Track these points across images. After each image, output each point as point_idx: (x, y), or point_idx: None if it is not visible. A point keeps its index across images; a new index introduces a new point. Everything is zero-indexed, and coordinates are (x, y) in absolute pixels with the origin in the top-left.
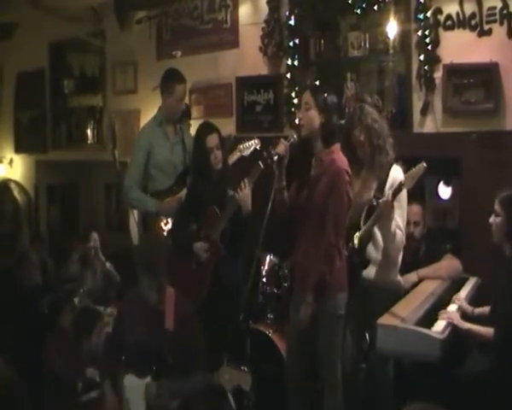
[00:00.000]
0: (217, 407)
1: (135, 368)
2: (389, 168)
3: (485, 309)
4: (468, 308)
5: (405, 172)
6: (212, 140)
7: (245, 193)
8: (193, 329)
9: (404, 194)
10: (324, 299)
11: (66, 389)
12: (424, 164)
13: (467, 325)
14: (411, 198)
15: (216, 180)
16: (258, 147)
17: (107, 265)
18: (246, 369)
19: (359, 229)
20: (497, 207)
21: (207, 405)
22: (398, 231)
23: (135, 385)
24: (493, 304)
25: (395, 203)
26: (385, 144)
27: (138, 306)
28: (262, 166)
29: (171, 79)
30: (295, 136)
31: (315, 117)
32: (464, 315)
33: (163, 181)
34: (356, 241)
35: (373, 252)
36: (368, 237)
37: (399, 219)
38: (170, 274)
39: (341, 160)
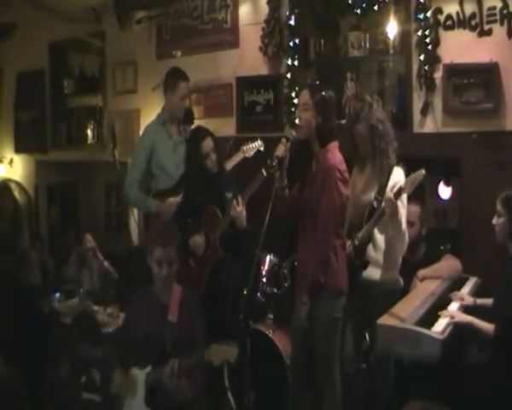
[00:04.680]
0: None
1: (139, 361)
2: (390, 172)
3: (487, 301)
4: (470, 300)
5: (406, 173)
6: (207, 145)
7: (239, 211)
8: (194, 323)
9: (404, 196)
10: (322, 301)
11: (65, 388)
12: (423, 171)
13: (468, 318)
14: (408, 198)
15: (213, 183)
16: (261, 148)
17: (106, 264)
18: (233, 343)
19: (360, 229)
20: (499, 207)
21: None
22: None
23: (137, 376)
24: (495, 302)
25: (398, 203)
26: (387, 147)
27: (147, 301)
28: (265, 174)
29: (176, 77)
30: (294, 132)
31: (313, 117)
32: (466, 312)
33: (166, 181)
34: (356, 242)
35: (372, 253)
36: (368, 239)
37: (403, 220)
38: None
39: (334, 157)
